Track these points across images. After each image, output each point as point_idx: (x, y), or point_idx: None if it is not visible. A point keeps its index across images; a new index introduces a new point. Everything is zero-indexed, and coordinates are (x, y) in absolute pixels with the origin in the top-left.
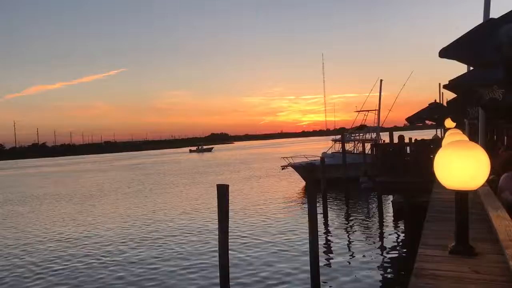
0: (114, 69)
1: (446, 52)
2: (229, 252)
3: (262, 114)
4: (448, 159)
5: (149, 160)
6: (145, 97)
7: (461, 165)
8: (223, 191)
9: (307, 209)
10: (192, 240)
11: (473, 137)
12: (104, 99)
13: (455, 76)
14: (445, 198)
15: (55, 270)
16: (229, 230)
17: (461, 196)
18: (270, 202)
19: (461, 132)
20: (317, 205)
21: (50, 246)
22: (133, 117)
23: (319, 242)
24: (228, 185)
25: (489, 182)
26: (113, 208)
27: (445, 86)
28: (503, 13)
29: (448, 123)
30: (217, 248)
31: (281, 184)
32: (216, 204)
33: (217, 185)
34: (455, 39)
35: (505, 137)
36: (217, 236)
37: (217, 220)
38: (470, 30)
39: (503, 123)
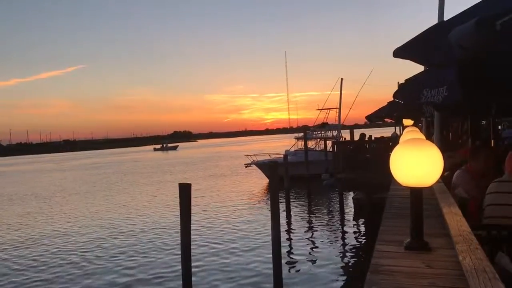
0: (72, 66)
1: (400, 52)
2: (191, 251)
3: (225, 112)
4: (402, 157)
5: (111, 159)
6: (105, 95)
7: (415, 163)
8: (185, 190)
9: (269, 206)
10: (152, 241)
11: (429, 135)
12: (62, 97)
13: (414, 74)
14: (402, 195)
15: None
16: (191, 229)
17: (416, 193)
18: (234, 200)
19: (418, 130)
20: (280, 202)
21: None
22: (93, 115)
23: (282, 239)
24: (190, 184)
25: (443, 178)
26: (69, 210)
27: (399, 85)
28: (457, 14)
29: (406, 120)
30: (179, 248)
31: (244, 182)
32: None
33: (179, 184)
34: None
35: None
36: (179, 236)
37: (179, 220)
38: (422, 32)
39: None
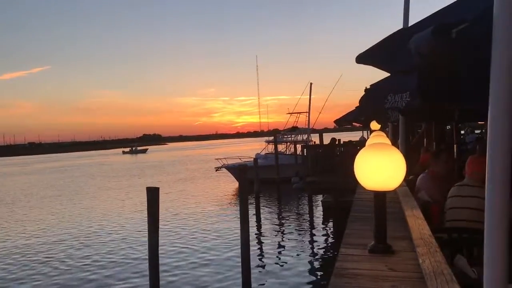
0: (37, 67)
1: (362, 58)
2: (159, 256)
3: (196, 115)
4: (366, 161)
5: (78, 162)
6: (72, 96)
7: (378, 167)
8: (153, 194)
9: (239, 210)
10: (119, 246)
11: (395, 139)
12: (27, 98)
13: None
14: (367, 198)
15: None
16: (159, 234)
17: (379, 197)
18: (203, 204)
19: (384, 134)
20: (250, 205)
21: None
22: (60, 117)
23: (251, 243)
24: (158, 188)
25: (408, 182)
26: (34, 215)
27: (365, 91)
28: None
29: (374, 125)
30: (147, 253)
31: (215, 185)
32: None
33: (147, 188)
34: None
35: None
36: (147, 241)
37: (147, 224)
38: (384, 38)
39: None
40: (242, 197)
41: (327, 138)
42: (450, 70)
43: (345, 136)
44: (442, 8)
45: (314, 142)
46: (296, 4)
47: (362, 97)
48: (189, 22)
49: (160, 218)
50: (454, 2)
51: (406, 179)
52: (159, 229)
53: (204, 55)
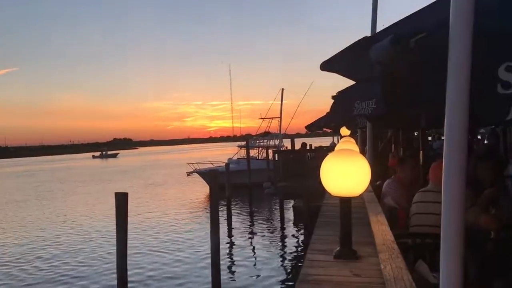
0: (4, 68)
1: (326, 66)
2: (128, 263)
3: (168, 119)
4: (331, 167)
5: (46, 166)
6: (40, 99)
7: (343, 173)
8: (121, 200)
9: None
10: (87, 252)
11: (364, 145)
12: None
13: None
14: (335, 204)
15: None
16: (128, 240)
17: (345, 203)
18: (174, 209)
19: (353, 140)
20: (221, 211)
21: None
22: (27, 121)
23: (222, 248)
24: (127, 193)
25: (375, 187)
26: None
27: (333, 97)
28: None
29: (343, 131)
30: (115, 259)
31: (186, 190)
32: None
33: (115, 193)
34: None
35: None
36: (115, 247)
37: (115, 231)
38: (348, 46)
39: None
40: (213, 202)
41: (299, 143)
42: (410, 78)
43: (316, 141)
44: (405, 17)
45: (286, 147)
46: (271, 10)
47: (332, 104)
48: (162, 25)
49: (129, 224)
50: (417, 11)
51: (373, 185)
52: (128, 235)
53: (177, 58)
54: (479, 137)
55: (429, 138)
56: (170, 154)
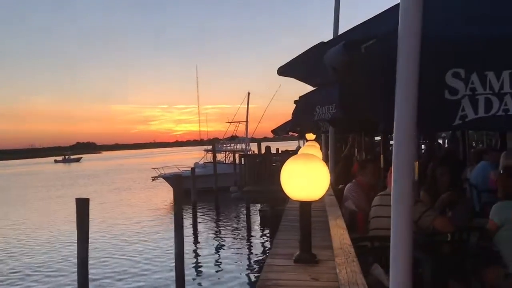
0: None
1: (283, 71)
2: (89, 268)
3: (133, 123)
4: (291, 172)
5: (4, 171)
6: None
7: (302, 178)
8: (82, 205)
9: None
10: (47, 259)
11: (328, 149)
12: None
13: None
14: (297, 208)
15: None
16: (90, 246)
17: (304, 207)
18: (138, 214)
19: (317, 144)
20: (187, 216)
21: None
22: None
23: (188, 254)
24: (88, 199)
25: (337, 191)
26: None
27: (295, 102)
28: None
29: (309, 135)
30: (75, 268)
31: (151, 195)
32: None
33: (76, 198)
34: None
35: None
36: (76, 255)
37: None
38: (304, 52)
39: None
40: (177, 208)
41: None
42: (363, 84)
43: (284, 145)
44: (358, 24)
45: (253, 151)
46: (238, 13)
47: (294, 109)
48: (126, 26)
49: (91, 230)
50: (369, 18)
51: (335, 188)
52: (90, 242)
53: (142, 60)
54: (440, 141)
55: (391, 142)
56: (135, 158)
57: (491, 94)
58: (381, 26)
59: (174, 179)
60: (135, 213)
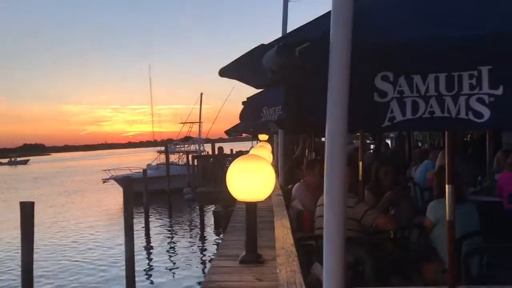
0: None
1: (225, 72)
2: (34, 275)
3: (83, 124)
4: (236, 172)
5: None
6: None
7: (248, 178)
8: (27, 209)
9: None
10: None
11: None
12: None
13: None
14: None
15: None
16: (35, 252)
17: (250, 208)
18: (88, 218)
19: (268, 145)
20: (139, 218)
21: None
22: None
23: (140, 257)
24: (33, 202)
25: (286, 191)
26: None
27: (243, 103)
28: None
29: (262, 136)
30: (19, 274)
31: (102, 198)
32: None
33: (20, 202)
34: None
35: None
36: (20, 261)
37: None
38: (246, 53)
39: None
40: (127, 210)
41: (225, 148)
42: (300, 86)
43: (238, 146)
44: (296, 28)
45: (208, 152)
46: (192, 13)
47: (242, 110)
48: (75, 23)
49: (39, 234)
50: (307, 23)
51: (285, 188)
52: (37, 247)
53: (93, 59)
54: (388, 141)
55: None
56: (86, 160)
57: (417, 96)
58: (317, 30)
59: (124, 181)
60: (85, 216)
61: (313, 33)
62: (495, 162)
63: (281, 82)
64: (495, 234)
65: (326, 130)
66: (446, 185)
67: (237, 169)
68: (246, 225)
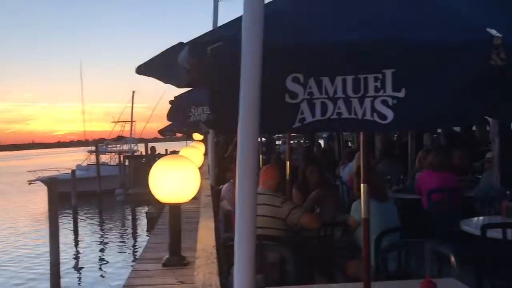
0: None
1: (142, 70)
2: None
3: (8, 122)
4: (158, 174)
5: None
6: None
7: (170, 180)
8: None
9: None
10: None
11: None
12: None
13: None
14: None
15: None
16: None
17: (173, 209)
18: (11, 221)
19: (199, 145)
20: (67, 221)
21: None
22: None
23: (66, 261)
24: None
25: (217, 191)
26: None
27: (170, 102)
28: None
29: (196, 135)
30: None
31: (27, 200)
32: None
33: None
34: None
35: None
36: None
37: None
38: (163, 51)
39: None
40: (52, 213)
41: (160, 148)
42: (219, 86)
43: (173, 146)
44: (217, 27)
45: (141, 152)
46: (123, 9)
47: (169, 109)
48: (4, 21)
49: None
50: (225, 23)
51: (216, 188)
52: None
53: (20, 55)
54: (320, 141)
55: (279, 142)
56: (11, 160)
57: (326, 98)
58: (230, 30)
59: (48, 182)
60: (9, 219)
61: (227, 32)
62: (417, 162)
63: (198, 82)
64: (414, 230)
65: (238, 131)
66: (361, 184)
67: (158, 171)
68: (169, 227)
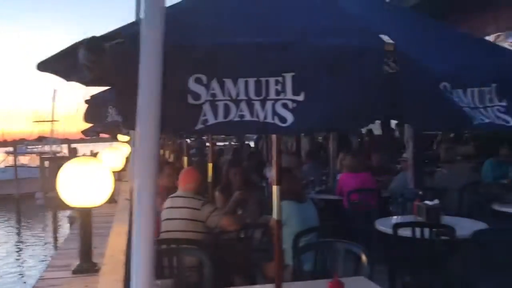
0: None
1: (44, 66)
2: None
3: None
4: (66, 177)
5: None
6: None
7: (80, 183)
8: None
9: None
10: None
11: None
12: None
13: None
14: (102, 214)
15: None
16: None
17: (84, 214)
18: None
19: (122, 146)
20: None
21: None
22: None
23: None
24: None
25: None
26: None
27: (86, 102)
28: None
29: (121, 137)
30: None
31: None
32: None
33: None
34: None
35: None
36: None
37: None
38: (68, 46)
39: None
40: None
41: (84, 149)
42: (124, 85)
43: (100, 147)
44: (127, 24)
45: (65, 153)
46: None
47: (86, 109)
48: None
49: None
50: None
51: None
52: None
53: None
54: (251, 143)
55: (207, 144)
56: None
57: (229, 100)
58: (133, 28)
59: None
60: None
61: (128, 30)
62: (338, 164)
63: (102, 80)
64: (334, 230)
65: (136, 132)
66: (274, 186)
67: (66, 174)
68: (79, 232)
